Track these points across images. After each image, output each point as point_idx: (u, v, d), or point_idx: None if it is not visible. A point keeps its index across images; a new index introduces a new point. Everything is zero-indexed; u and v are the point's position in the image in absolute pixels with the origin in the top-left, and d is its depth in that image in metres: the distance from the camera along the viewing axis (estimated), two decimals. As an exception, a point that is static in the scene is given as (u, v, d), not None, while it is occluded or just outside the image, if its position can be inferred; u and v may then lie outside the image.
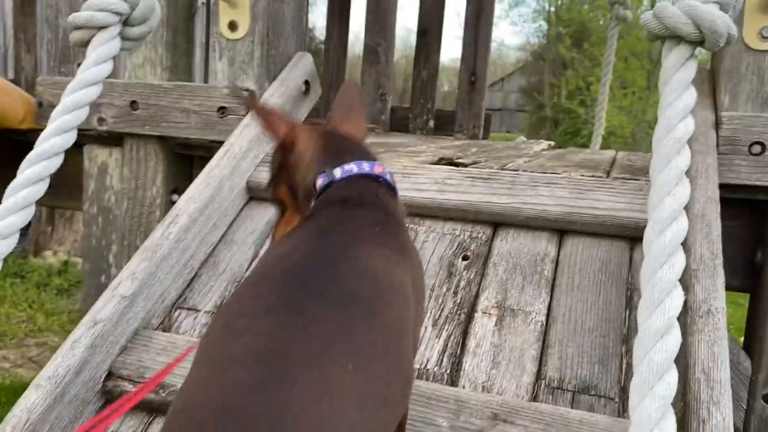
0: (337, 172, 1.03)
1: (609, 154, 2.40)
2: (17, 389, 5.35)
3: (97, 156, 2.28)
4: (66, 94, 1.34)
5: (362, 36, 3.85)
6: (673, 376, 0.82)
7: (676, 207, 0.90)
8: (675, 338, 0.82)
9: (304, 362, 0.71)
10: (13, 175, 2.69)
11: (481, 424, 1.23)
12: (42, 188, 1.29)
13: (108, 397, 1.42)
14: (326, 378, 0.70)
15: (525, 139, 2.92)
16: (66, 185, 2.70)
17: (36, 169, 1.26)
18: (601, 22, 17.15)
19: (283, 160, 1.09)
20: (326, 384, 0.70)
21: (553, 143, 3.33)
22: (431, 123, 3.84)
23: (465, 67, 3.70)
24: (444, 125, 3.84)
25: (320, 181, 1.04)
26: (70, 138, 1.33)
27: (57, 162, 1.31)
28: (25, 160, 1.28)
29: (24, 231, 6.74)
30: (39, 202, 2.80)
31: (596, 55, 15.34)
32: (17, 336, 6.98)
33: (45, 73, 2.50)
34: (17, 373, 5.83)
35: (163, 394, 1.37)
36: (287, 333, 0.74)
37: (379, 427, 0.77)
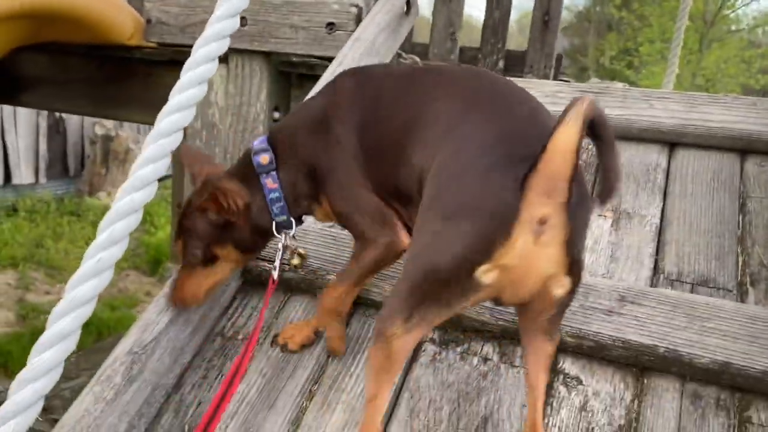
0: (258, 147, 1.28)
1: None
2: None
3: (202, 72, 2.37)
4: (220, 4, 1.38)
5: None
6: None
7: None
8: None
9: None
10: (121, 91, 2.79)
11: (610, 305, 1.31)
12: (202, 91, 1.29)
13: (246, 276, 1.53)
14: None
15: (598, 80, 2.92)
16: (165, 102, 2.82)
17: (197, 72, 1.28)
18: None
19: (227, 222, 1.25)
20: None
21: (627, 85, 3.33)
22: (501, 63, 3.84)
23: (539, 5, 3.67)
24: (514, 66, 3.83)
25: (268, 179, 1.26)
26: (224, 45, 1.35)
27: (212, 68, 1.32)
28: (184, 66, 1.29)
29: (79, 171, 6.85)
30: (140, 120, 2.87)
31: (646, 14, 14.94)
32: (75, 270, 7.30)
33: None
34: (78, 304, 6.10)
35: (302, 273, 1.48)
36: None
37: None
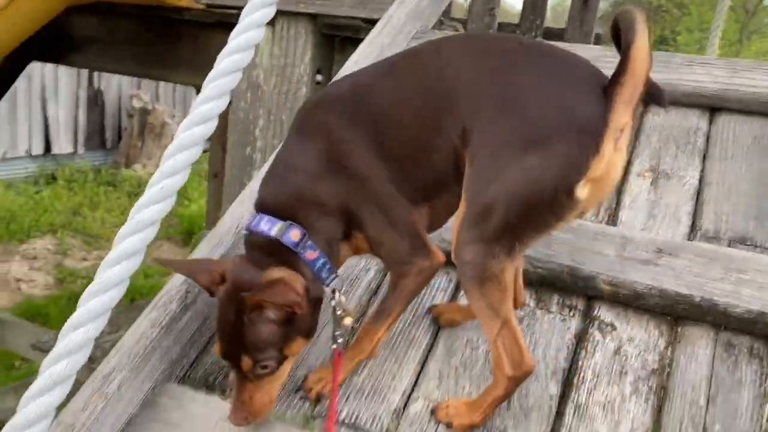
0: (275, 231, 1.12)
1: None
2: (114, 284, 5.77)
3: (248, 34, 2.43)
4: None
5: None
6: None
7: None
8: None
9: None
10: (169, 53, 2.86)
11: (647, 256, 1.34)
12: (260, 35, 1.30)
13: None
14: None
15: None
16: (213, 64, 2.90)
17: (254, 17, 1.30)
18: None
19: (290, 314, 1.07)
20: None
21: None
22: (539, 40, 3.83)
23: (580, -16, 3.66)
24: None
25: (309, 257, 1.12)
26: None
27: (270, 12, 1.33)
28: (243, 12, 1.31)
29: (116, 144, 7.05)
30: (188, 81, 2.93)
31: (685, 3, 14.65)
32: (111, 238, 7.50)
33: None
34: (114, 271, 6.28)
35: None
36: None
37: None
